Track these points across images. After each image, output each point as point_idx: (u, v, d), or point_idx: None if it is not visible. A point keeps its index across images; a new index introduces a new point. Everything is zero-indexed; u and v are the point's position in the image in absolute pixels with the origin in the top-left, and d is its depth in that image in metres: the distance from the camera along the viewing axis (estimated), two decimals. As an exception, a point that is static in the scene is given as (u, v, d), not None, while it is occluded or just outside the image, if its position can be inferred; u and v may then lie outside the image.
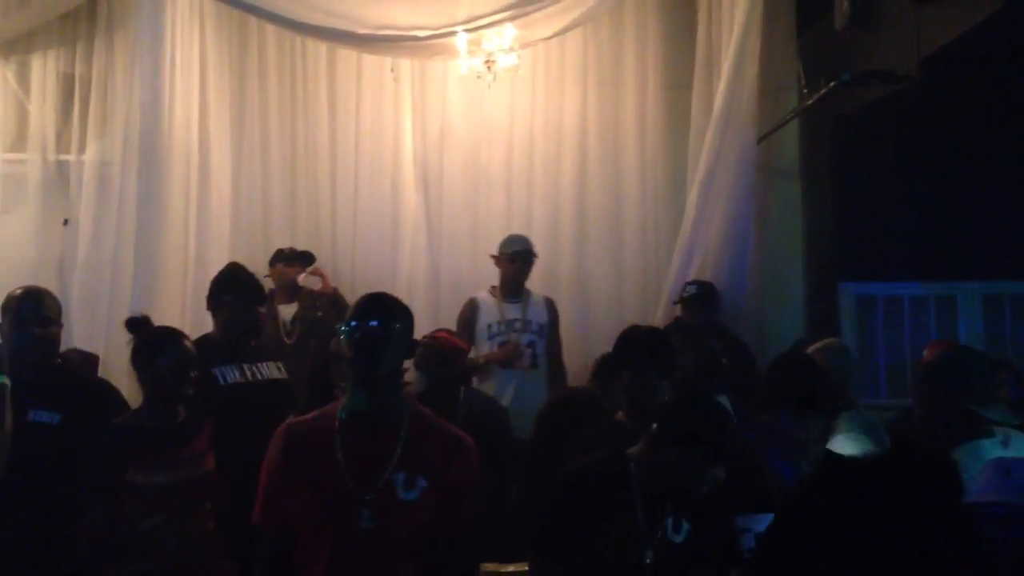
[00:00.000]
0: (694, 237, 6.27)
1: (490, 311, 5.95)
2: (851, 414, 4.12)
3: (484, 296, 6.06)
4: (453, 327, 5.87)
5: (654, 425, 3.03)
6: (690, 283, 6.03)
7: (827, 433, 3.14)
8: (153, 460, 3.62)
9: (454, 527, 2.80)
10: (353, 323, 2.78)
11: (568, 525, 2.99)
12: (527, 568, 3.17)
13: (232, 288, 4.65)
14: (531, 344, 5.93)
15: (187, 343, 3.84)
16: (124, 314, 5.76)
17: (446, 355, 4.69)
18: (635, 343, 3.84)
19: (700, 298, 5.88)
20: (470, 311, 5.99)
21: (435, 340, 4.82)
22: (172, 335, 3.87)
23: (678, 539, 2.99)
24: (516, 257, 6.02)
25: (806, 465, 3.46)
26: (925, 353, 5.43)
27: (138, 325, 3.90)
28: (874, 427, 4.32)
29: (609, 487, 3.01)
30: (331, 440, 2.76)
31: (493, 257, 6.12)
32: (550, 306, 6.13)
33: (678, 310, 6.02)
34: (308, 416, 2.89)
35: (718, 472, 2.93)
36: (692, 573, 2.98)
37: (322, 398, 3.14)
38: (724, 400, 4.02)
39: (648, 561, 2.95)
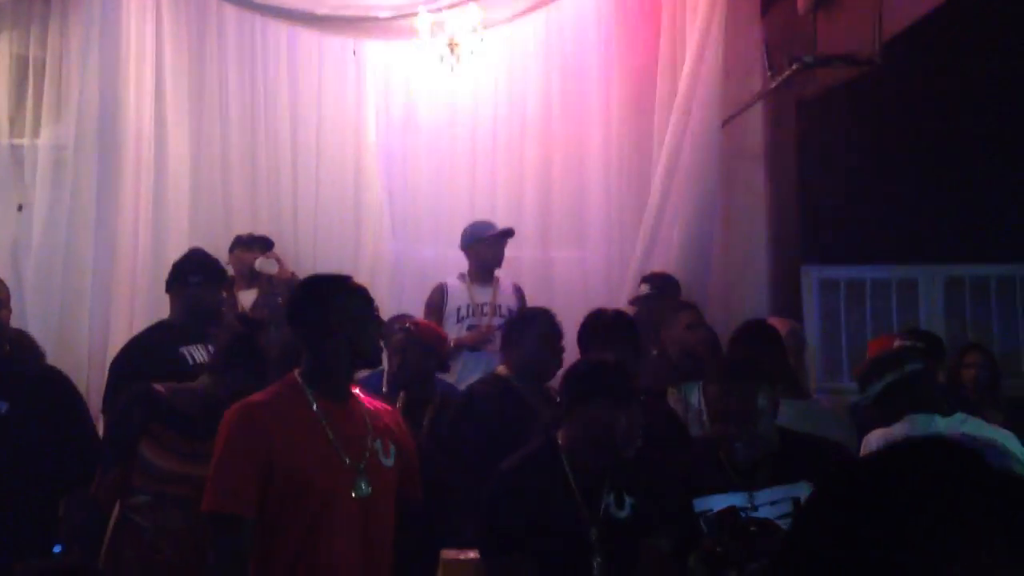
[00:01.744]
0: (659, 222, 6.26)
1: (459, 295, 5.93)
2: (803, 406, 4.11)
3: (453, 281, 6.03)
4: (415, 312, 5.85)
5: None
6: (644, 280, 5.97)
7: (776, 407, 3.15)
8: (166, 441, 3.52)
9: (412, 487, 3.01)
10: (375, 310, 2.98)
11: (510, 520, 3.01)
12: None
13: (198, 269, 4.67)
14: (501, 328, 5.91)
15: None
16: (78, 300, 5.73)
17: (431, 343, 4.77)
18: (599, 327, 3.83)
19: (654, 297, 5.80)
20: (439, 296, 5.96)
21: (419, 328, 4.89)
22: None
23: (622, 514, 3.05)
24: (504, 235, 5.99)
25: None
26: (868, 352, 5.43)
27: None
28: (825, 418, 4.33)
29: (543, 475, 3.06)
30: (311, 412, 2.79)
31: (469, 245, 6.02)
32: (518, 292, 6.12)
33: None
34: (264, 395, 2.85)
35: (636, 421, 3.00)
36: (642, 543, 3.03)
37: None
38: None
39: (593, 538, 2.99)
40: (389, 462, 2.87)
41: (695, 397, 4.40)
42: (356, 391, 2.98)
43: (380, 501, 2.82)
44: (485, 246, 5.99)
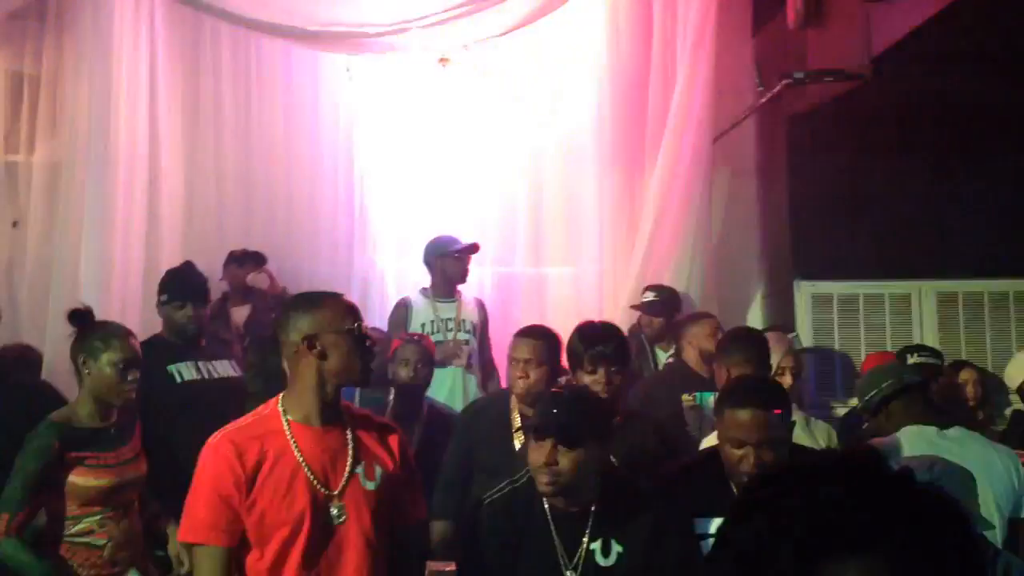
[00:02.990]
0: (652, 237, 6.26)
1: (423, 311, 5.91)
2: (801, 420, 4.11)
3: (415, 297, 6.02)
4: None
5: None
6: (649, 288, 5.98)
7: None
8: (93, 461, 3.55)
9: (412, 508, 2.91)
10: (358, 329, 2.80)
11: (488, 553, 2.94)
12: None
13: (164, 288, 4.70)
14: (466, 343, 5.93)
15: (133, 341, 3.76)
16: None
17: (431, 357, 4.83)
18: (588, 339, 3.80)
19: (657, 304, 5.83)
20: (404, 311, 5.93)
21: (424, 340, 4.93)
22: (120, 334, 3.76)
23: (607, 562, 2.90)
24: (469, 250, 5.99)
25: None
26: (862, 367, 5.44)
27: (81, 317, 3.81)
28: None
29: (523, 512, 2.95)
30: (286, 443, 2.73)
31: (434, 260, 6.01)
32: (480, 307, 6.11)
33: (636, 315, 5.98)
34: (241, 424, 2.82)
35: (602, 456, 2.93)
36: None
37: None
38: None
39: None
40: (371, 485, 2.78)
41: (710, 405, 4.39)
42: (352, 410, 2.92)
43: (360, 527, 2.74)
44: (451, 260, 5.97)
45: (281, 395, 2.84)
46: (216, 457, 2.72)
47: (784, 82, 5.62)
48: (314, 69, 6.87)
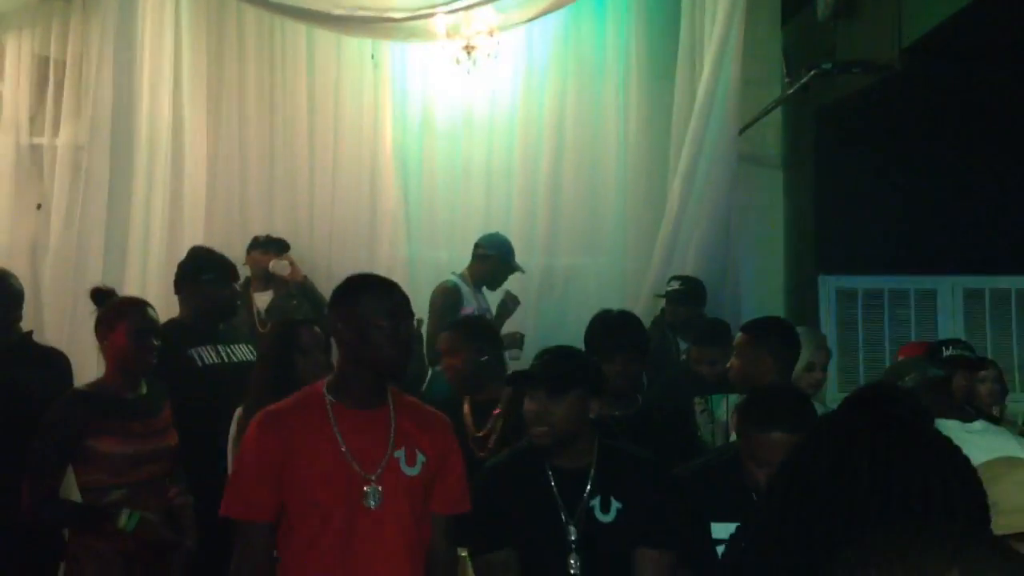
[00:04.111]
0: (676, 230, 6.21)
1: (469, 299, 5.89)
2: None
3: (459, 283, 5.99)
4: (426, 317, 5.82)
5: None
6: (675, 277, 5.94)
7: None
8: (117, 429, 3.59)
9: (453, 499, 2.88)
10: (397, 322, 2.77)
11: (494, 517, 2.97)
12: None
13: (210, 266, 4.67)
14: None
15: (150, 311, 3.82)
16: (89, 301, 5.76)
17: None
18: (605, 328, 3.80)
19: (683, 294, 5.77)
20: (457, 297, 5.84)
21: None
22: (135, 303, 3.87)
23: (607, 518, 2.99)
24: (508, 270, 6.00)
25: None
26: (899, 356, 5.39)
27: (103, 296, 3.88)
28: None
29: (525, 474, 3.04)
30: (326, 424, 2.73)
31: (481, 249, 6.02)
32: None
33: (660, 305, 5.94)
34: (285, 403, 2.83)
35: (592, 406, 3.01)
36: (640, 552, 2.96)
37: (284, 390, 3.07)
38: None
39: (572, 538, 2.96)
40: (412, 471, 2.76)
41: (722, 409, 4.34)
42: (401, 396, 2.90)
43: (396, 511, 2.73)
44: (504, 268, 5.99)
45: (328, 377, 2.85)
46: (258, 433, 2.75)
47: (812, 73, 5.56)
48: (338, 54, 6.85)
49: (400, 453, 2.76)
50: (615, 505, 3.00)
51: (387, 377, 2.83)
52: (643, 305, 6.15)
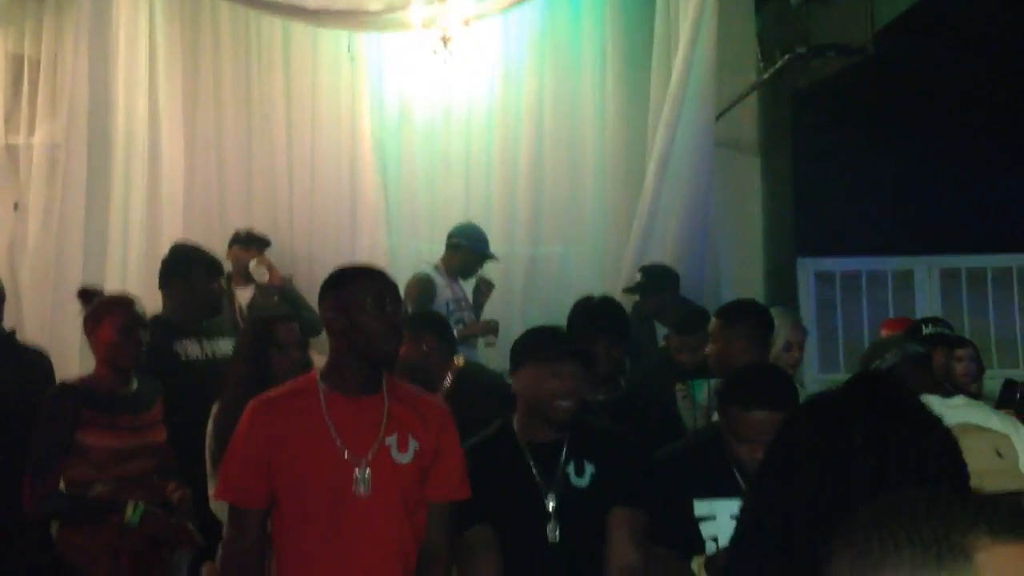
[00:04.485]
0: (652, 216, 6.22)
1: (443, 290, 5.92)
2: None
3: (433, 273, 6.01)
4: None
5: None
6: (641, 269, 5.95)
7: None
8: (103, 422, 3.61)
9: (447, 487, 2.87)
10: (387, 309, 2.79)
11: (475, 498, 2.97)
12: None
13: (199, 260, 4.72)
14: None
15: (137, 306, 3.88)
16: (69, 298, 5.77)
17: None
18: (587, 313, 3.83)
19: (646, 286, 5.76)
20: (431, 289, 5.88)
21: None
22: (121, 299, 3.94)
23: (582, 483, 3.05)
24: (481, 258, 6.03)
25: None
26: (881, 332, 5.47)
27: (90, 295, 3.95)
28: None
29: (497, 450, 3.09)
30: (317, 411, 2.75)
31: (454, 240, 6.04)
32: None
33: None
34: (279, 390, 2.87)
35: (557, 383, 3.02)
36: (613, 512, 3.02)
37: (260, 386, 3.09)
38: None
39: (552, 505, 3.00)
40: (404, 458, 2.77)
41: (703, 394, 4.38)
42: (396, 384, 2.91)
43: (386, 497, 2.74)
44: (474, 257, 6.03)
45: (322, 366, 2.89)
46: (251, 421, 2.78)
47: (786, 57, 5.59)
48: (314, 47, 6.83)
49: (392, 439, 2.77)
50: (589, 469, 3.06)
51: (379, 363, 2.84)
52: (619, 294, 6.16)
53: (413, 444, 2.79)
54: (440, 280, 5.95)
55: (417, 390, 3.00)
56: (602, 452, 3.09)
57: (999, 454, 3.00)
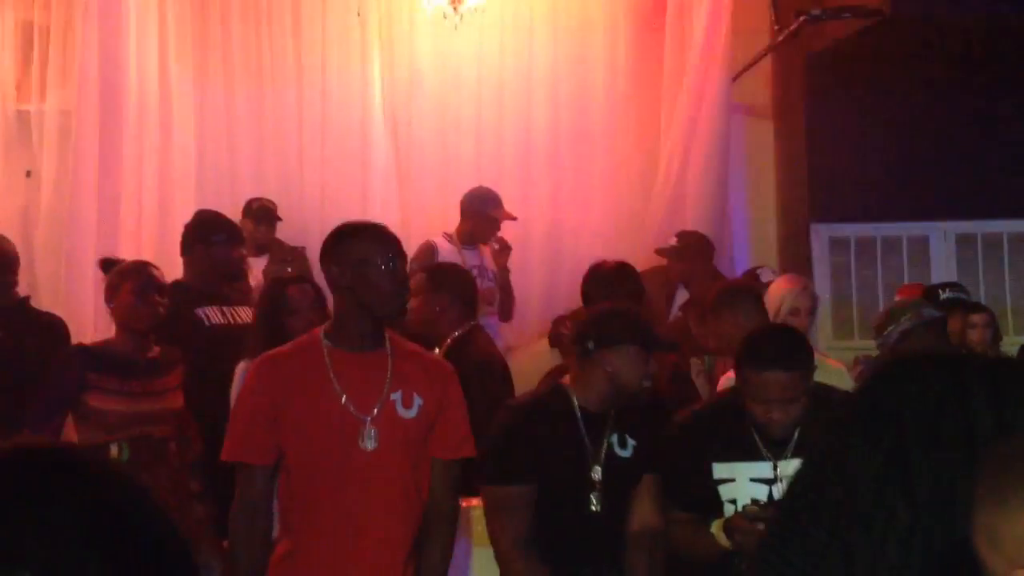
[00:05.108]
0: (679, 181, 6.20)
1: (448, 257, 5.88)
2: None
3: (440, 241, 6.00)
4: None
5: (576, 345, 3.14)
6: (679, 234, 5.89)
7: None
8: (112, 386, 3.62)
9: (452, 443, 2.90)
10: (392, 262, 2.79)
11: (518, 453, 3.04)
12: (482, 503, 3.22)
13: (221, 228, 4.75)
14: (488, 291, 5.91)
15: (154, 270, 3.91)
16: (82, 266, 5.81)
17: None
18: (601, 279, 3.84)
19: (681, 250, 5.71)
20: (431, 255, 5.87)
21: None
22: (137, 264, 3.98)
23: (625, 454, 3.12)
24: (491, 221, 5.95)
25: None
26: (896, 298, 5.43)
27: (109, 264, 4.00)
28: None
29: (552, 413, 3.11)
30: (321, 367, 2.76)
31: (471, 210, 6.01)
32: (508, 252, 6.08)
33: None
34: (282, 349, 2.89)
35: (651, 366, 3.09)
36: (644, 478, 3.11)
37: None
38: None
39: (597, 477, 3.05)
40: (409, 413, 2.78)
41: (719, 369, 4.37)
42: (400, 341, 2.93)
43: (391, 453, 2.76)
44: (484, 220, 5.95)
45: (326, 323, 2.91)
46: (256, 378, 2.81)
47: (801, 20, 5.53)
48: (324, 14, 6.79)
49: (397, 395, 2.78)
50: (631, 441, 3.13)
51: (385, 317, 2.85)
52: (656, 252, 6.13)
53: (418, 400, 2.81)
54: (448, 248, 5.92)
55: (420, 348, 3.02)
56: (642, 424, 3.16)
57: None
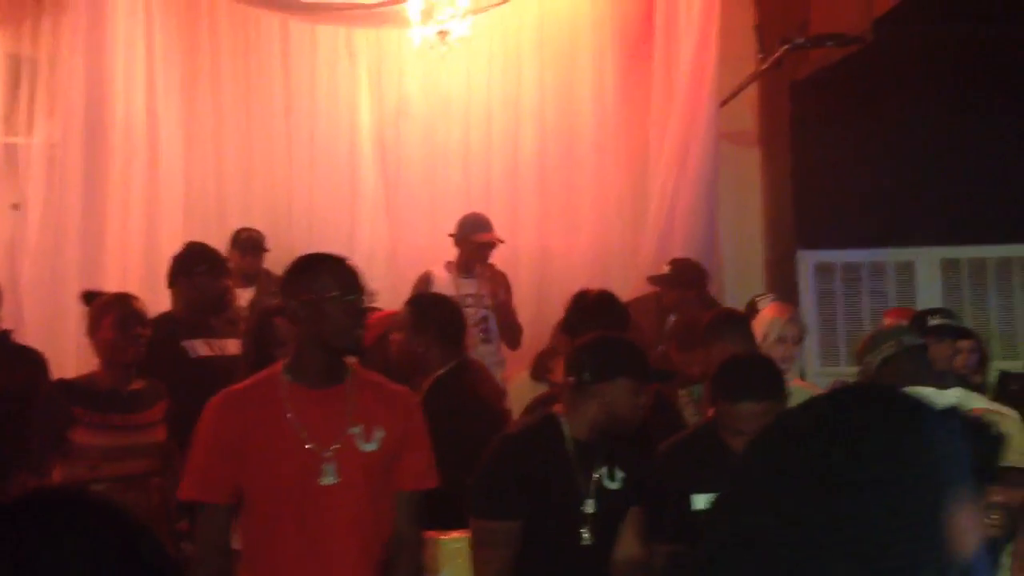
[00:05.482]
0: (670, 208, 6.22)
1: (445, 287, 5.87)
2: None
3: (439, 271, 6.00)
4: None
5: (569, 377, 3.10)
6: (671, 261, 5.87)
7: None
8: (94, 420, 3.61)
9: (416, 474, 2.85)
10: (351, 296, 2.76)
11: (507, 487, 3.01)
12: (468, 535, 3.17)
13: (202, 259, 4.74)
14: (484, 319, 5.91)
15: (135, 303, 3.91)
16: (68, 298, 5.79)
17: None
18: (582, 308, 3.84)
19: (672, 278, 5.70)
20: (424, 285, 5.89)
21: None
22: (119, 297, 3.99)
23: (614, 486, 3.08)
24: (484, 246, 5.94)
25: None
26: (884, 321, 5.45)
27: (92, 297, 4.00)
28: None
29: (544, 445, 3.07)
30: (279, 402, 2.74)
31: (452, 236, 6.04)
32: (501, 278, 6.07)
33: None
34: (242, 385, 2.87)
35: (643, 399, 3.06)
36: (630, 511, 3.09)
37: None
38: None
39: (589, 510, 3.03)
40: (370, 447, 2.75)
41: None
42: (362, 373, 2.91)
43: (352, 488, 2.73)
44: (470, 245, 5.95)
45: (287, 358, 2.87)
46: (212, 416, 2.78)
47: (785, 48, 5.57)
48: (312, 43, 6.82)
49: (357, 429, 2.76)
50: (619, 474, 3.10)
51: (342, 351, 2.82)
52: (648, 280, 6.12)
53: (379, 433, 2.77)
54: (445, 277, 5.92)
55: (383, 379, 2.99)
56: (629, 456, 3.14)
57: None
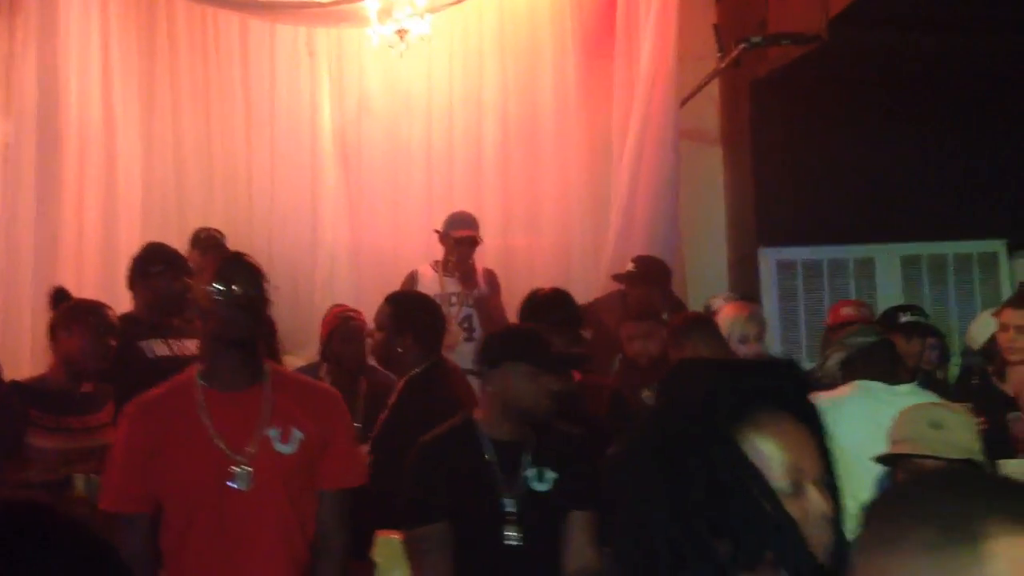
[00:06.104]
0: (630, 207, 6.22)
1: (430, 285, 5.84)
2: None
3: (424, 269, 5.98)
4: (374, 301, 5.76)
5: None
6: (635, 259, 5.89)
7: None
8: (49, 423, 3.57)
9: (338, 474, 2.84)
10: (233, 287, 2.68)
11: (427, 490, 2.98)
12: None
13: (158, 259, 4.69)
14: (468, 317, 5.89)
15: (109, 313, 3.89)
16: (20, 298, 5.75)
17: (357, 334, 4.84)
18: (534, 306, 3.84)
19: (637, 276, 5.70)
20: (410, 285, 5.84)
21: (356, 317, 4.93)
22: (94, 305, 3.94)
23: (542, 487, 3.03)
24: (461, 243, 5.91)
25: None
26: (829, 317, 5.50)
27: (60, 297, 3.96)
28: None
29: (461, 447, 3.05)
30: (193, 408, 2.70)
31: (437, 232, 5.99)
32: (488, 277, 6.05)
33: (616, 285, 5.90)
34: (155, 391, 2.82)
35: (551, 383, 3.02)
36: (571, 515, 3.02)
37: None
38: None
39: (509, 510, 2.98)
40: (287, 449, 2.71)
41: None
42: (282, 375, 2.89)
43: (269, 492, 2.70)
44: (451, 244, 5.92)
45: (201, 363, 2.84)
46: (127, 425, 2.75)
47: (741, 46, 5.58)
48: (272, 43, 6.78)
49: (273, 432, 2.72)
50: (550, 475, 3.04)
51: (232, 344, 2.73)
52: (600, 286, 6.13)
53: (297, 435, 2.73)
54: (430, 275, 5.91)
55: (306, 379, 3.00)
56: (563, 456, 3.08)
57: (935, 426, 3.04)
